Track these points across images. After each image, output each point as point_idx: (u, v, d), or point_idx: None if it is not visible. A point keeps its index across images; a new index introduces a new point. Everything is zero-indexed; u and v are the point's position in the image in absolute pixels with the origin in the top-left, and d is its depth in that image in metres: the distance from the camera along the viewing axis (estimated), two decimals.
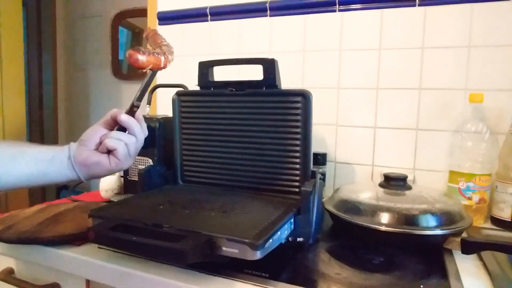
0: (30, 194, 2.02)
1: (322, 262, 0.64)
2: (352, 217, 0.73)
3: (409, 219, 0.69)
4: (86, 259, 0.64)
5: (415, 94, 0.97)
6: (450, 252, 0.68)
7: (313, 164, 1.03)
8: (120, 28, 2.59)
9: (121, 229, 0.59)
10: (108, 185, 0.98)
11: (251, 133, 0.80)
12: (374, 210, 0.72)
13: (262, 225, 0.59)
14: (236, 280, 0.56)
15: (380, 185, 0.82)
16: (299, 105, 0.75)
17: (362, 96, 1.03)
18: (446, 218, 0.69)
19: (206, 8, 1.18)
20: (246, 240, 0.53)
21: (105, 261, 0.63)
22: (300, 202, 0.69)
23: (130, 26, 2.59)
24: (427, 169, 0.97)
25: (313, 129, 1.08)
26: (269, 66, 0.78)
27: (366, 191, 0.81)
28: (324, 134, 1.08)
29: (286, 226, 0.65)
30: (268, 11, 1.10)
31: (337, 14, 1.03)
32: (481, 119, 0.85)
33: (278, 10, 1.09)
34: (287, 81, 1.10)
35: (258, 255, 0.53)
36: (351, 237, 0.74)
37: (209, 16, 1.18)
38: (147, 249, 0.54)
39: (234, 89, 0.82)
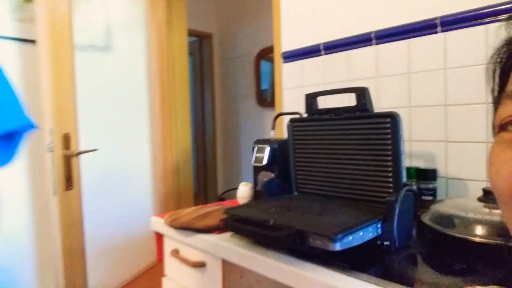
0: (195, 199, 2.54)
1: (401, 263, 0.73)
2: (445, 228, 0.78)
3: (502, 231, 0.71)
4: (222, 243, 0.90)
5: None
6: None
7: (423, 180, 1.09)
8: (263, 61, 3.01)
9: (241, 222, 0.82)
10: (243, 194, 1.25)
11: (349, 151, 0.94)
12: (466, 222, 0.76)
13: (346, 225, 0.73)
14: (321, 266, 0.72)
15: (479, 199, 0.84)
16: (388, 125, 0.86)
17: (471, 111, 1.03)
18: None
19: (319, 44, 1.37)
20: (326, 234, 0.68)
21: (233, 245, 0.87)
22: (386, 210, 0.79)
23: (270, 59, 2.98)
24: None
25: (422, 146, 1.13)
26: (361, 93, 0.91)
27: (462, 205, 0.84)
28: (433, 150, 1.11)
29: (370, 229, 0.76)
30: (374, 40, 1.22)
31: (440, 35, 1.07)
32: None
33: (383, 38, 1.19)
34: (394, 101, 1.19)
35: (337, 247, 0.68)
36: (443, 247, 0.79)
37: (322, 51, 1.36)
38: (255, 235, 0.76)
39: (333, 114, 0.98)
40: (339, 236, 0.68)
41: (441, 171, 1.10)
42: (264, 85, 3.02)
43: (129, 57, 1.95)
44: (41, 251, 1.90)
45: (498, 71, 0.32)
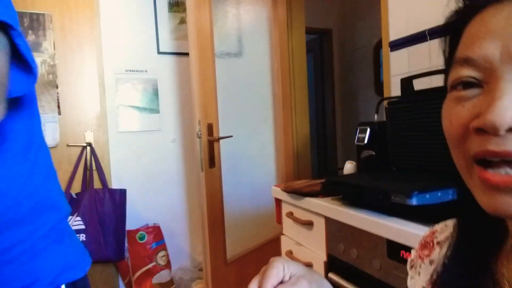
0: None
1: None
2: None
3: None
4: (324, 204, 1.11)
5: None
6: None
7: None
8: (381, 51, 3.04)
9: (338, 184, 1.03)
10: (348, 171, 1.43)
11: (440, 128, 1.04)
12: None
13: (425, 186, 0.87)
14: (403, 219, 0.87)
15: None
16: None
17: None
18: None
19: (425, 30, 1.43)
20: (404, 191, 0.84)
21: (334, 205, 1.08)
22: None
23: None
24: None
25: None
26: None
27: None
28: None
29: (450, 191, 0.87)
30: None
31: None
32: None
33: None
34: None
35: (413, 202, 0.83)
36: None
37: (428, 37, 1.43)
38: (347, 194, 0.95)
39: (426, 95, 1.08)
40: (415, 193, 0.83)
41: None
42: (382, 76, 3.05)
43: (256, 60, 2.30)
44: (191, 217, 2.42)
45: (448, 37, 0.37)
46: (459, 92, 0.33)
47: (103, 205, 2.05)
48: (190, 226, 2.44)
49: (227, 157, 2.02)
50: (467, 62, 0.32)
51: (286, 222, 1.41)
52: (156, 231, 2.20)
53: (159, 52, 2.29)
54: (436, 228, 0.51)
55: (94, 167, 2.14)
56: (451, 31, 0.36)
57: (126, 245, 2.13)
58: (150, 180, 2.32)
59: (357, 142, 1.34)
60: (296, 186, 1.28)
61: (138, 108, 2.28)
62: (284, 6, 2.29)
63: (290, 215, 1.34)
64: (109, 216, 2.05)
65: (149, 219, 2.27)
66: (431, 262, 0.48)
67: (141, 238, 2.13)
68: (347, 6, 3.39)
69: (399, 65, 1.59)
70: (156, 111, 2.31)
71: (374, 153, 1.28)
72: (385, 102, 1.58)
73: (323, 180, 1.32)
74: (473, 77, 0.32)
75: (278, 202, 1.46)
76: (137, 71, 2.26)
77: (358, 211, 0.98)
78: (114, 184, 2.22)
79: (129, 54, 2.26)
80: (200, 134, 1.87)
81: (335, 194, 1.12)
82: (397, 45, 1.58)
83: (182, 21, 2.30)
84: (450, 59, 0.36)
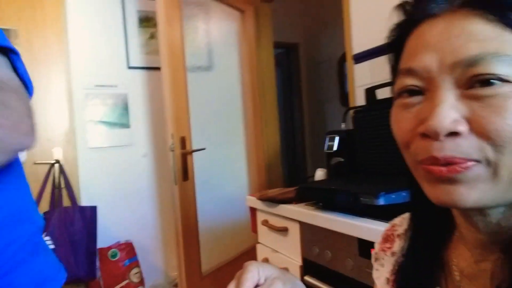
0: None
1: None
2: None
3: None
4: (299, 210, 1.16)
5: None
6: None
7: None
8: (345, 64, 3.18)
9: (311, 190, 1.08)
10: (319, 177, 1.49)
11: None
12: None
13: (391, 187, 0.93)
14: (368, 218, 0.93)
15: None
16: None
17: None
18: None
19: (385, 44, 1.54)
20: (371, 192, 0.90)
21: (308, 210, 1.12)
22: None
23: None
24: None
25: None
26: None
27: None
28: None
29: None
30: None
31: None
32: None
33: None
34: None
35: (380, 202, 0.89)
36: None
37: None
38: (320, 198, 1.00)
39: (389, 103, 1.16)
40: (382, 193, 0.89)
41: None
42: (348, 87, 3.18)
43: (226, 73, 2.35)
44: (165, 232, 2.40)
45: (391, 47, 0.40)
46: (405, 99, 0.36)
47: (73, 223, 1.99)
48: (163, 241, 2.41)
49: (200, 170, 2.04)
50: (410, 72, 0.35)
51: (262, 230, 1.44)
52: (128, 248, 2.16)
53: (129, 67, 2.29)
54: (395, 222, 0.54)
55: (62, 185, 2.09)
56: (395, 44, 0.39)
57: (97, 263, 2.07)
58: (122, 196, 2.29)
59: (326, 150, 1.41)
60: (271, 194, 1.32)
61: (108, 123, 2.26)
62: (252, 21, 2.36)
63: (265, 223, 1.37)
64: (80, 235, 2.00)
65: (121, 236, 2.23)
66: (393, 254, 0.51)
67: (113, 256, 2.08)
68: (313, 21, 3.54)
69: (362, 77, 1.68)
70: (127, 126, 2.30)
71: (343, 160, 1.35)
72: (352, 111, 1.67)
73: (296, 188, 1.38)
74: (416, 86, 0.35)
75: (253, 211, 1.49)
76: (106, 86, 2.24)
77: (330, 214, 1.03)
78: (84, 202, 2.17)
79: (99, 69, 2.24)
80: (173, 147, 1.88)
81: (309, 200, 1.17)
82: (360, 57, 1.68)
83: (152, 36, 2.32)
84: (395, 70, 0.39)
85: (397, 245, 0.51)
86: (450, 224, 0.44)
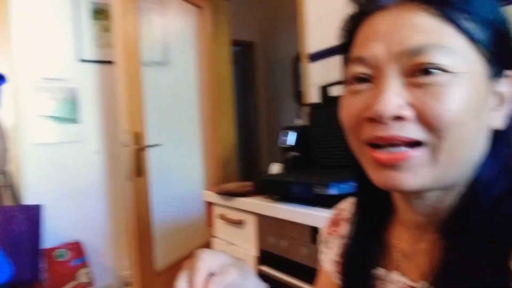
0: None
1: None
2: None
3: None
4: (255, 202, 1.19)
5: None
6: None
7: None
8: (300, 64, 3.28)
9: (267, 182, 1.11)
10: (275, 171, 1.53)
11: None
12: None
13: (342, 179, 0.99)
14: (321, 207, 0.98)
15: None
16: None
17: None
18: None
19: (338, 45, 1.61)
20: (323, 183, 0.95)
21: (264, 202, 1.15)
22: None
23: None
24: None
25: None
26: None
27: None
28: None
29: None
30: None
31: None
32: None
33: None
34: None
35: (331, 191, 0.94)
36: None
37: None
38: (276, 189, 1.04)
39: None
40: (333, 184, 0.94)
41: None
42: (301, 86, 3.28)
43: (182, 69, 2.33)
44: (116, 231, 2.33)
45: (344, 37, 0.42)
46: (354, 86, 0.38)
47: (16, 223, 1.87)
48: (114, 240, 2.33)
49: (156, 166, 2.01)
50: (360, 60, 0.37)
51: (218, 224, 1.45)
52: (76, 248, 2.08)
53: (81, 60, 2.19)
54: (342, 207, 0.57)
55: (3, 183, 1.95)
56: (347, 34, 0.41)
57: (42, 265, 1.97)
58: (71, 194, 2.18)
59: (282, 144, 1.45)
60: (228, 188, 1.34)
61: (57, 118, 2.15)
62: (210, 18, 2.36)
63: (222, 216, 1.39)
64: (23, 235, 1.88)
65: (70, 235, 2.13)
66: (340, 237, 0.53)
67: (60, 256, 1.99)
68: (268, 20, 3.60)
69: (316, 75, 1.75)
70: (77, 121, 2.20)
71: (298, 154, 1.40)
72: (306, 108, 1.73)
73: (253, 181, 1.41)
74: (365, 73, 0.37)
75: (209, 205, 1.50)
76: (55, 79, 2.13)
77: (286, 205, 1.07)
78: (30, 200, 2.05)
79: (47, 62, 2.12)
80: (127, 143, 1.84)
81: (265, 193, 1.20)
82: (315, 57, 1.75)
83: (106, 29, 2.24)
84: (346, 58, 0.41)
85: (344, 228, 0.53)
86: (391, 208, 0.46)
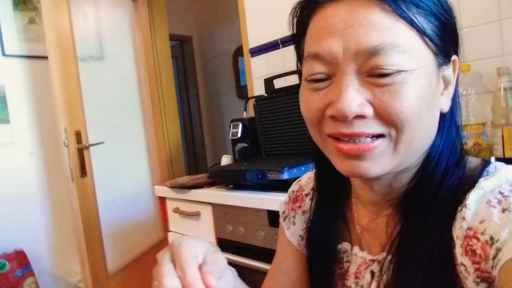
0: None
1: None
2: None
3: None
4: (210, 192, 1.23)
5: None
6: None
7: None
8: (240, 58, 3.33)
9: (222, 172, 1.15)
10: (225, 163, 1.58)
11: (298, 118, 1.27)
12: None
13: (293, 165, 1.07)
14: (275, 192, 1.05)
15: None
16: None
17: None
18: None
19: (277, 40, 1.70)
20: (276, 168, 1.02)
21: (218, 192, 1.20)
22: None
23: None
24: None
25: None
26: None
27: None
28: None
29: (310, 165, 1.10)
30: None
31: None
32: None
33: None
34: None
35: (285, 176, 1.02)
36: None
37: (280, 45, 1.69)
38: (231, 178, 1.09)
39: (285, 92, 1.31)
40: (285, 169, 1.02)
41: None
42: (244, 81, 3.34)
43: (120, 64, 2.25)
44: (61, 235, 2.21)
45: (296, 26, 0.42)
46: (313, 85, 0.38)
47: None
48: (59, 245, 2.21)
49: (100, 165, 1.94)
50: (317, 57, 0.37)
51: (172, 218, 1.46)
52: (20, 257, 1.94)
53: (4, 55, 2.02)
54: (302, 183, 0.59)
55: None
56: (299, 23, 0.41)
57: None
58: (6, 201, 2.02)
59: (231, 136, 1.50)
60: (181, 181, 1.36)
61: None
62: (145, 10, 2.30)
63: (177, 210, 1.40)
64: None
65: (10, 245, 1.97)
66: (304, 212, 0.56)
67: (1, 268, 1.85)
68: (204, 15, 3.59)
69: (259, 69, 1.82)
70: (6, 121, 2.03)
71: (247, 145, 1.46)
72: (252, 100, 1.79)
73: (205, 175, 1.44)
74: (323, 73, 0.37)
75: (162, 200, 1.50)
76: None
77: (241, 193, 1.13)
78: None
79: None
80: (68, 142, 1.75)
81: (220, 183, 1.25)
82: (256, 51, 1.81)
83: (32, 21, 2.08)
84: (299, 48, 0.42)
85: (307, 203, 0.55)
86: (349, 186, 0.50)
